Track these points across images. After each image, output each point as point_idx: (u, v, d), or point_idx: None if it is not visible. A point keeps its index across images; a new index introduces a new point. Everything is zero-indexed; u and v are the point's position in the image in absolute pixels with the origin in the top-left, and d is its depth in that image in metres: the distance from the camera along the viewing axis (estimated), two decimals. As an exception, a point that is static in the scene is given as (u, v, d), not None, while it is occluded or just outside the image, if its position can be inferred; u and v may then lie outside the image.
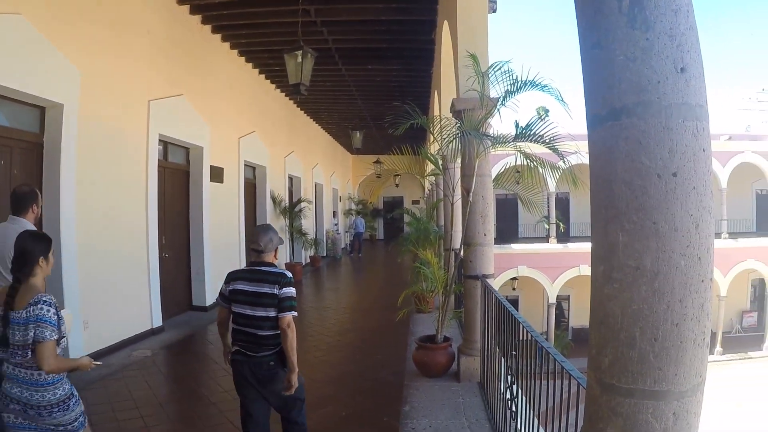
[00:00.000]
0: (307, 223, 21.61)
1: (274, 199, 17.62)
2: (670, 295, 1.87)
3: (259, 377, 4.40)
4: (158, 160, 10.61)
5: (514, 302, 31.51)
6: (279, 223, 18.02)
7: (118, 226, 9.16)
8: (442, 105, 11.85)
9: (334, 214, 29.78)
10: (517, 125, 6.85)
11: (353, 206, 34.28)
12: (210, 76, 13.03)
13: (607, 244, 2.00)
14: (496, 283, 28.17)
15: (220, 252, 13.01)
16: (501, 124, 20.75)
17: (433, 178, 16.40)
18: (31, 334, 3.44)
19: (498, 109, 7.26)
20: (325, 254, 25.40)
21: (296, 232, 19.40)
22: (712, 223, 1.95)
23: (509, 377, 4.93)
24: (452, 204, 9.05)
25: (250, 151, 15.55)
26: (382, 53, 14.68)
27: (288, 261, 18.59)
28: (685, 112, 1.90)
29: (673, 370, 1.89)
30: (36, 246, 3.72)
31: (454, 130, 7.51)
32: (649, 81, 1.91)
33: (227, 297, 4.50)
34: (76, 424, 3.69)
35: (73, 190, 7.91)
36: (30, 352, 3.48)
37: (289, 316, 4.28)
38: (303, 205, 19.96)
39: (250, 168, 16.42)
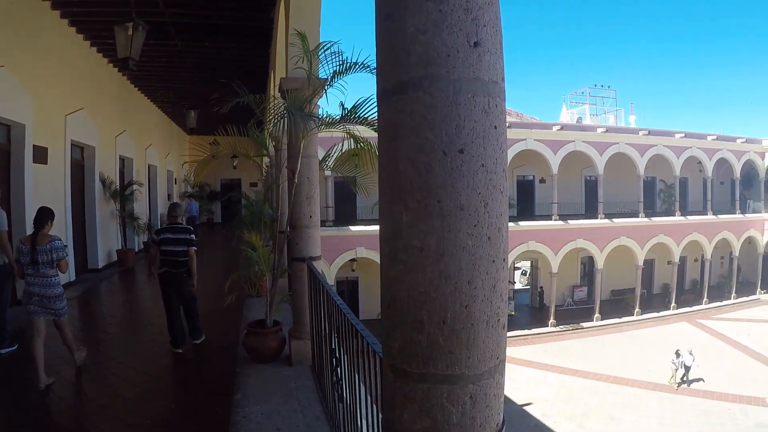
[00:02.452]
0: (140, 207, 20.52)
1: (103, 182, 16.55)
2: (458, 277, 1.79)
3: (176, 283, 8.60)
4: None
5: (354, 283, 31.85)
6: (109, 208, 17.03)
7: None
8: (275, 85, 11.61)
9: (169, 197, 28.65)
10: (342, 107, 6.79)
11: (189, 189, 33.18)
12: (35, 47, 11.92)
13: (392, 225, 1.90)
14: (335, 265, 28.58)
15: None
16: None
17: (269, 161, 16.12)
18: (54, 256, 6.78)
19: (326, 90, 7.17)
20: (157, 241, 24.31)
21: (128, 217, 18.37)
22: (504, 203, 1.88)
23: (334, 360, 4.87)
24: (278, 186, 8.89)
25: (78, 130, 14.41)
26: (220, 30, 14.08)
27: (120, 248, 17.61)
28: (476, 88, 1.82)
29: (466, 354, 1.82)
30: (46, 213, 7.00)
31: (281, 110, 7.33)
32: (438, 54, 1.80)
33: (158, 241, 8.65)
34: (63, 311, 6.98)
35: None
36: (52, 267, 6.80)
37: (192, 249, 8.68)
38: (134, 187, 18.89)
39: (78, 148, 15.26)
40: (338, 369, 4.72)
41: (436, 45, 1.81)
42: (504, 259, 1.89)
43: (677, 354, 23.82)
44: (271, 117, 7.53)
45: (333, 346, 4.91)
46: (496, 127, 1.85)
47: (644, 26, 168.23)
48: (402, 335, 1.90)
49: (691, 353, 23.95)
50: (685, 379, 23.83)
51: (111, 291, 13.92)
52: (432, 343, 1.83)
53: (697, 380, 23.79)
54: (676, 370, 23.66)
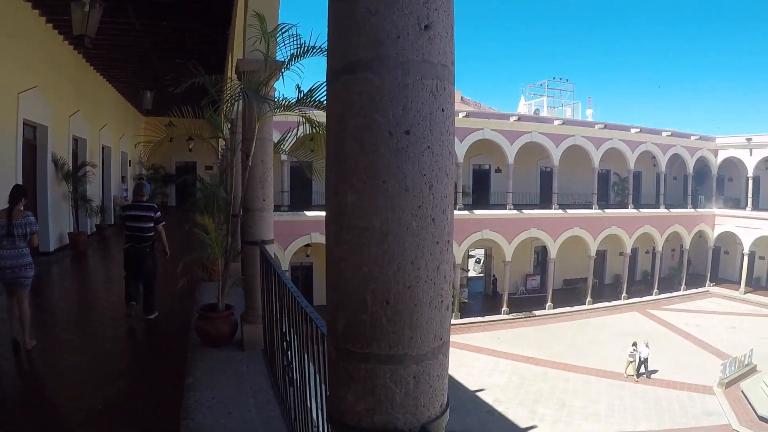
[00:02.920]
0: (93, 189, 20.10)
1: (56, 163, 16.15)
2: (402, 257, 1.79)
3: (138, 258, 9.22)
4: None
5: (308, 269, 31.80)
6: (61, 189, 16.65)
7: None
8: (233, 67, 11.49)
9: (123, 179, 28.10)
10: (299, 90, 6.75)
11: (143, 171, 32.66)
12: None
13: (338, 205, 1.90)
14: (289, 250, 28.46)
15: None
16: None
17: (224, 143, 15.95)
18: (29, 230, 7.22)
19: (282, 73, 7.13)
20: (113, 222, 23.85)
21: (80, 199, 17.99)
22: (449, 185, 1.88)
23: (284, 343, 4.86)
24: (233, 169, 8.83)
25: (30, 109, 13.95)
26: (179, 10, 13.77)
27: (72, 231, 17.25)
28: (424, 70, 1.82)
29: (409, 334, 1.83)
30: (22, 190, 7.57)
31: (236, 91, 7.27)
32: (388, 36, 1.80)
33: (124, 217, 9.59)
34: (29, 281, 7.31)
35: None
36: (25, 240, 7.21)
37: (161, 225, 9.54)
38: (87, 169, 18.50)
39: (30, 127, 14.82)
40: (288, 352, 4.72)
41: (387, 27, 1.81)
42: (448, 241, 1.90)
43: (634, 346, 24.10)
44: (227, 98, 7.46)
45: (284, 330, 4.90)
46: (443, 110, 1.86)
47: (605, 21, 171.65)
48: (346, 315, 1.90)
49: (647, 345, 24.28)
50: (642, 371, 24.13)
51: (62, 275, 13.64)
52: (375, 323, 1.83)
53: (654, 371, 24.18)
54: (632, 362, 23.93)
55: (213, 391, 6.10)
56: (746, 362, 25.35)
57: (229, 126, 9.60)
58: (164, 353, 7.74)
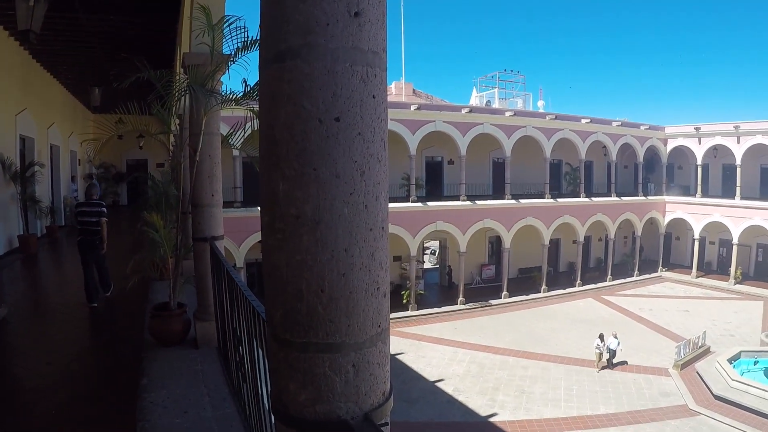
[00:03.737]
0: (42, 190, 19.63)
1: (2, 163, 15.73)
2: (334, 245, 1.79)
3: (90, 248, 10.45)
4: None
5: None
6: (9, 191, 16.23)
7: None
8: (181, 61, 11.33)
9: (73, 179, 27.51)
10: (245, 84, 6.71)
11: (94, 170, 32.05)
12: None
13: (270, 193, 1.88)
14: (244, 246, 28.26)
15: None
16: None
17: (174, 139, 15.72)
18: None
19: (228, 66, 7.06)
20: (63, 224, 23.36)
21: (29, 200, 17.56)
22: (382, 171, 1.88)
23: (236, 340, 4.84)
24: (181, 165, 8.72)
25: None
26: (127, 3, 13.43)
27: (21, 233, 16.83)
28: (354, 57, 1.81)
29: (345, 322, 1.83)
30: None
31: (184, 85, 7.17)
32: (318, 23, 1.79)
33: (76, 213, 10.96)
34: None
35: None
36: None
37: (103, 219, 10.64)
38: (36, 169, 18.06)
39: (-26, 128, 14.48)
40: (240, 348, 4.69)
41: (316, 14, 1.79)
42: (383, 228, 1.90)
43: (601, 338, 24.15)
44: (174, 93, 7.36)
45: (234, 326, 4.87)
46: (374, 96, 1.85)
47: (556, 12, 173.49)
48: (282, 304, 1.89)
49: (615, 336, 24.36)
50: (611, 362, 24.22)
51: (12, 279, 13.31)
52: (312, 312, 1.82)
53: (622, 363, 24.36)
54: (601, 354, 23.97)
55: (168, 391, 6.04)
56: (700, 344, 25.96)
57: (178, 122, 9.48)
58: (118, 355, 7.67)
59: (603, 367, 23.84)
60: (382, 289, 1.92)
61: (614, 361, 24.11)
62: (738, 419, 19.22)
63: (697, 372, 23.39)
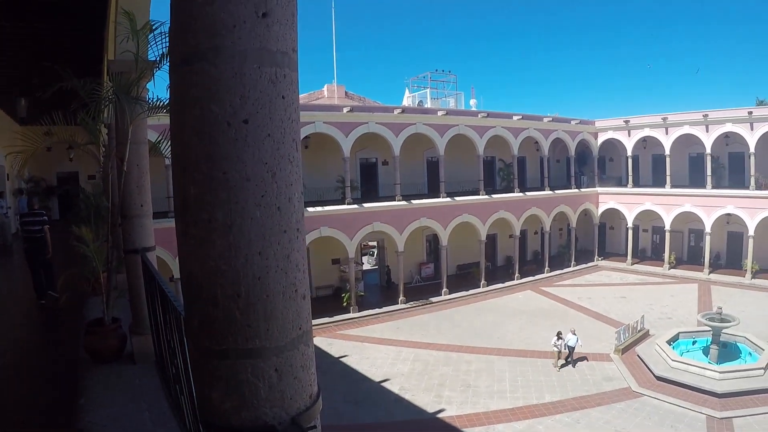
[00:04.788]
0: (-34, 207, 18.91)
1: None
2: (248, 248, 1.77)
3: (35, 253, 11.45)
4: None
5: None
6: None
7: None
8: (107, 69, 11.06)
9: (2, 194, 26.71)
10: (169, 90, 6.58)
11: (23, 184, 31.06)
12: None
13: (182, 198, 1.85)
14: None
15: None
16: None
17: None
18: None
19: (154, 73, 6.93)
20: (-4, 241, 22.51)
21: (-45, 218, 16.89)
22: (295, 172, 1.87)
23: (170, 351, 4.75)
24: (109, 175, 8.52)
25: None
26: (52, 10, 13.02)
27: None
28: (262, 58, 1.80)
29: (264, 326, 1.81)
30: None
31: (109, 94, 7.01)
32: (224, 25, 1.77)
33: (21, 222, 12.13)
34: None
35: None
36: None
37: (46, 227, 11.74)
38: (-45, 186, 17.42)
39: None
40: (176, 360, 4.61)
41: (222, 16, 1.78)
42: (298, 230, 1.89)
43: (558, 336, 23.83)
44: (99, 102, 7.17)
45: (169, 338, 4.79)
46: (284, 97, 1.84)
47: (488, 13, 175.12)
48: (199, 312, 1.86)
49: (574, 333, 24.03)
50: (569, 359, 23.89)
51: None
52: (229, 318, 1.80)
53: (582, 359, 24.20)
54: (559, 352, 23.64)
55: (107, 410, 5.90)
56: (639, 328, 26.65)
57: (107, 131, 9.26)
58: (53, 374, 7.44)
59: (563, 365, 23.55)
60: (300, 291, 1.90)
61: (574, 357, 23.89)
62: (680, 397, 19.87)
63: (638, 355, 24.01)
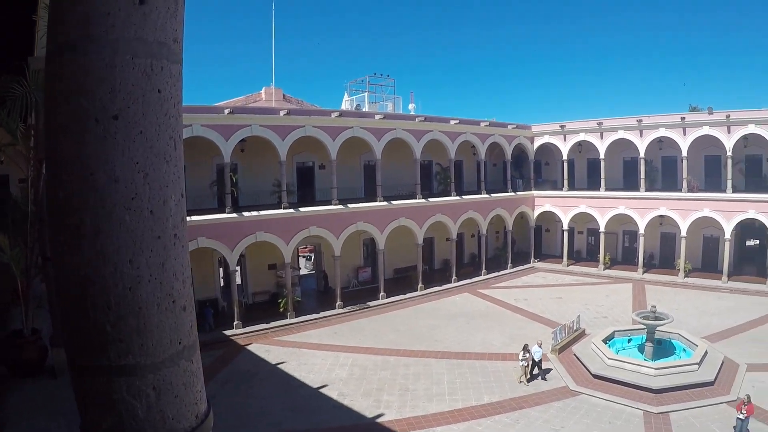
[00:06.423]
0: None
1: None
2: (117, 256, 1.61)
3: None
4: None
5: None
6: None
7: None
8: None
9: None
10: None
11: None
12: None
13: (51, 202, 1.68)
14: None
15: None
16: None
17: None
18: None
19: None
20: None
21: None
22: (172, 172, 1.72)
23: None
24: (29, 178, 8.18)
25: None
26: None
27: None
28: (137, 48, 1.64)
29: (138, 341, 1.66)
30: None
31: (29, 91, 6.69)
32: (98, 13, 1.61)
33: None
34: None
35: None
36: None
37: None
38: None
39: None
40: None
41: (96, 4, 1.62)
42: (176, 235, 1.74)
43: (525, 350, 22.68)
44: (18, 100, 6.85)
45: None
46: (159, 91, 1.69)
47: (428, 19, 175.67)
48: (71, 325, 1.70)
49: (540, 346, 23.44)
50: (535, 372, 23.06)
51: None
52: (100, 332, 1.64)
53: (548, 371, 23.45)
54: (526, 366, 22.53)
55: (28, 423, 5.65)
56: (575, 328, 27.12)
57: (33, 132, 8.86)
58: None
59: (530, 379, 22.50)
60: (179, 302, 1.75)
61: (539, 370, 23.08)
62: (617, 394, 20.32)
63: (575, 354, 24.46)
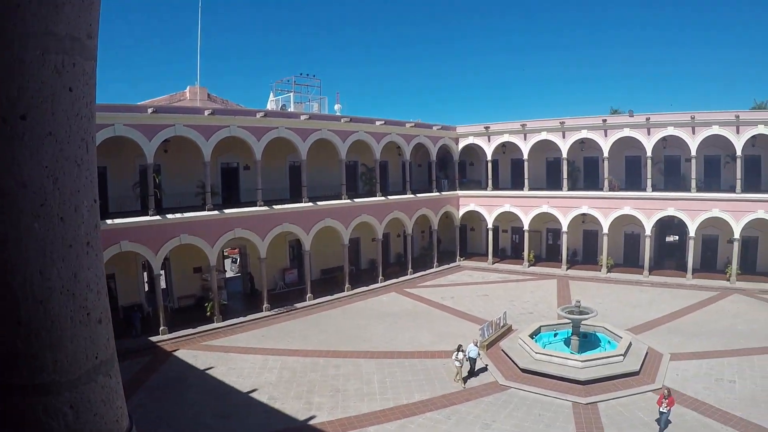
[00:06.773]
0: None
1: None
2: (26, 267, 1.49)
3: None
4: None
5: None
6: None
7: None
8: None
9: None
10: None
11: None
12: None
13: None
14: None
15: None
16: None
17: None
18: None
19: None
20: None
21: None
22: (84, 177, 1.60)
23: None
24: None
25: None
26: None
27: None
28: (47, 43, 1.53)
29: (51, 357, 1.54)
30: None
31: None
32: (7, 5, 1.47)
33: None
34: None
35: None
36: None
37: None
38: None
39: None
40: None
41: (5, -6, 1.50)
42: (89, 243, 1.62)
43: (459, 350, 22.39)
44: None
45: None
46: (71, 90, 1.58)
47: (352, 17, 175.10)
48: (-22, 342, 1.57)
49: (476, 344, 23.42)
50: (472, 370, 22.90)
51: None
52: (10, 349, 1.52)
53: (483, 370, 23.55)
54: (461, 366, 22.15)
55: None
56: (502, 324, 27.74)
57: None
58: None
59: (466, 378, 22.34)
60: (94, 315, 1.63)
61: (476, 368, 23.07)
62: (546, 387, 20.91)
63: (503, 350, 25.00)
